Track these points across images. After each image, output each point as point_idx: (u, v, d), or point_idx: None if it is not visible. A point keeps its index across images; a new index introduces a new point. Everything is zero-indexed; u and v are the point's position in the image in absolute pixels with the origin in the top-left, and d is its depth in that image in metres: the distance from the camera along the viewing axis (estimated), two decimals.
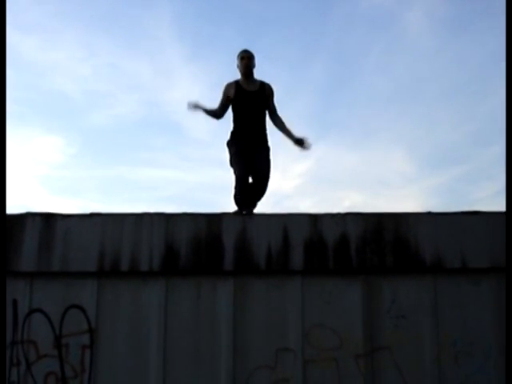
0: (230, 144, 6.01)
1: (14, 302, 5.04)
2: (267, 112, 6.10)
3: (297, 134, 6.06)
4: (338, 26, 16.04)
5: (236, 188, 5.80)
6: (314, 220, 5.10)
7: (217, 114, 6.11)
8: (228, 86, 6.08)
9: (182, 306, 5.05)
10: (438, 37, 15.77)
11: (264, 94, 6.06)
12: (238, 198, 5.76)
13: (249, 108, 6.02)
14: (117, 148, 17.33)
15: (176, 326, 5.02)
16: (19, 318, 5.03)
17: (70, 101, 17.00)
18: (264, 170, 5.92)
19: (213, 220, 5.14)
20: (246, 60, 6.06)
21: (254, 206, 5.83)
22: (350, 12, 15.88)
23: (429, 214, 5.15)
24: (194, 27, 16.51)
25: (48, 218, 5.16)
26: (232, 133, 6.05)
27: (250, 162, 5.87)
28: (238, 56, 6.13)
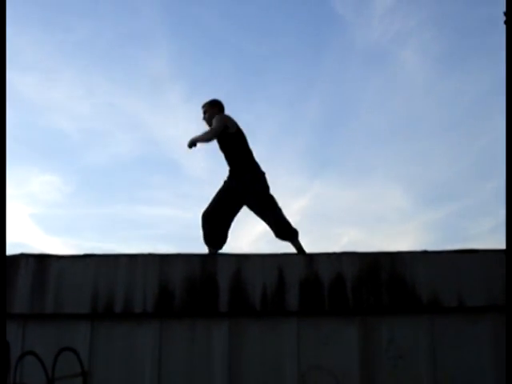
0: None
1: (6, 345, 4.98)
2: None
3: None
4: (333, 64, 16.23)
5: (202, 225, 5.80)
6: (310, 260, 5.07)
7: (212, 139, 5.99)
8: (231, 119, 6.03)
9: (177, 349, 4.99)
10: (433, 73, 15.94)
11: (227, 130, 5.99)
12: (203, 235, 5.76)
13: (224, 149, 6.03)
14: (114, 186, 17.37)
15: (171, 369, 4.96)
16: (11, 361, 4.97)
17: (67, 139, 17.10)
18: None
19: (207, 260, 5.11)
20: (203, 117, 6.12)
21: (291, 241, 5.73)
22: (345, 50, 16.09)
23: (425, 252, 5.12)
24: (191, 66, 16.69)
25: (42, 260, 5.13)
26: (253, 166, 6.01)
27: (233, 199, 5.85)
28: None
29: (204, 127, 6.04)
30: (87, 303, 5.00)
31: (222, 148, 6.00)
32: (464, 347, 4.94)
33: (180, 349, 5.00)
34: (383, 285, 4.99)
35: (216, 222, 5.77)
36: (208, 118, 6.08)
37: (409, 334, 4.98)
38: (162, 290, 5.01)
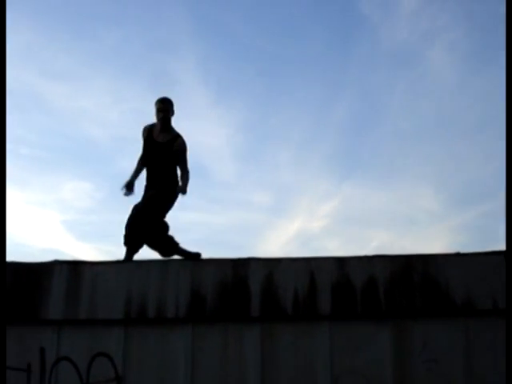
0: None
1: (42, 350, 5.04)
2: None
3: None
4: (360, 66, 16.13)
5: (125, 226, 5.76)
6: (341, 263, 5.05)
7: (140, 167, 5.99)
8: (143, 130, 6.02)
9: (209, 353, 5.00)
10: (462, 72, 15.76)
11: (171, 148, 5.88)
12: (124, 235, 5.73)
13: (152, 157, 5.93)
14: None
15: (203, 373, 4.97)
16: (47, 366, 5.02)
17: (97, 146, 17.23)
18: (136, 206, 5.77)
19: (239, 265, 5.11)
20: (163, 113, 5.95)
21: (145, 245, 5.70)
22: (372, 51, 15.98)
23: (458, 254, 5.08)
24: (217, 71, 16.73)
25: (75, 266, 5.18)
26: None
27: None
28: (155, 105, 6.00)
29: (152, 119, 5.99)
30: (121, 309, 5.04)
31: (162, 163, 5.91)
32: (499, 349, 4.87)
33: (212, 353, 5.00)
34: (416, 287, 4.95)
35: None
36: (169, 118, 6.01)
37: (443, 337, 4.93)
38: (194, 295, 5.03)
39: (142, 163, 5.99)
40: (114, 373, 4.99)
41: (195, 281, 5.06)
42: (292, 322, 4.98)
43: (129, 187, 5.85)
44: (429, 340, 4.93)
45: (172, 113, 6.01)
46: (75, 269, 5.16)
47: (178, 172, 5.91)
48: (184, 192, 5.77)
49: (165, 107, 5.95)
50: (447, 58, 15.60)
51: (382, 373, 4.88)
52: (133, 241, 5.66)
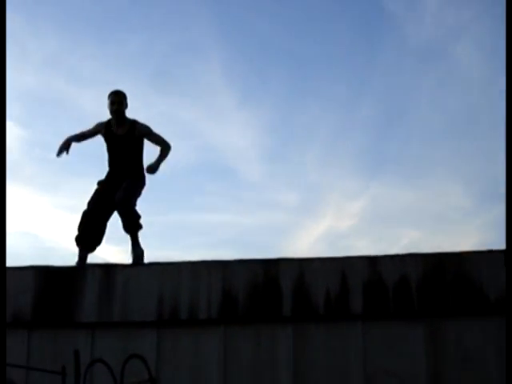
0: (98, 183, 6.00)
1: (76, 353, 5.07)
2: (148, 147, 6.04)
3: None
4: (386, 62, 16.02)
5: (78, 225, 5.78)
6: (373, 262, 5.02)
7: (84, 135, 6.09)
8: (98, 126, 6.05)
9: (242, 354, 5.01)
10: (491, 66, 15.55)
11: (133, 136, 5.94)
12: (76, 235, 5.75)
13: (116, 151, 5.98)
14: (172, 194, 17.53)
15: (236, 374, 4.98)
16: (81, 369, 5.05)
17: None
18: (119, 197, 5.77)
19: (270, 265, 5.11)
20: (117, 106, 5.93)
21: (131, 235, 5.78)
22: (398, 47, 15.86)
23: (490, 251, 5.02)
24: (243, 72, 16.75)
25: (108, 269, 5.23)
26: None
27: (109, 202, 5.80)
28: (108, 98, 5.99)
29: (106, 115, 6.02)
30: (153, 310, 5.07)
31: (128, 155, 5.97)
32: None
33: (245, 354, 5.01)
34: (449, 286, 4.91)
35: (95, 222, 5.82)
36: (123, 110, 6.00)
37: (477, 336, 4.87)
38: (225, 296, 5.04)
39: (87, 136, 6.11)
40: (148, 374, 5.01)
41: (226, 282, 5.07)
42: (324, 321, 4.97)
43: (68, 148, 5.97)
44: (462, 339, 4.88)
45: (126, 105, 6.02)
46: (108, 272, 5.21)
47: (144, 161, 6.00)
48: (153, 171, 5.88)
49: (118, 99, 5.96)
50: (475, 53, 15.41)
51: (416, 372, 4.85)
52: (95, 238, 5.77)
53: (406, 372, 4.86)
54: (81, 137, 6.13)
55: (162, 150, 5.99)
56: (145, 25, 16.10)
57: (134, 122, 5.99)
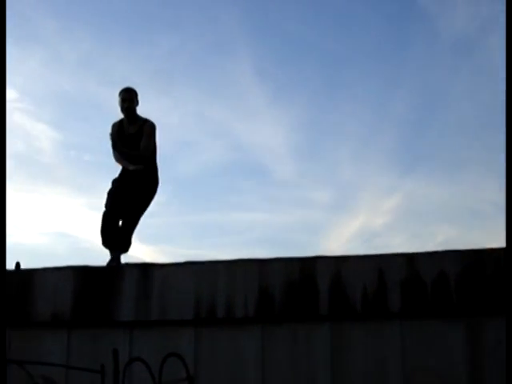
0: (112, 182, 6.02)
1: (115, 352, 5.13)
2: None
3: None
4: (419, 57, 15.87)
5: (100, 228, 5.86)
6: (411, 259, 4.96)
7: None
8: (113, 127, 6.01)
9: (279, 352, 5.00)
10: None
11: (142, 134, 5.92)
12: (101, 238, 5.82)
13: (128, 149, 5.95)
14: (205, 194, 17.63)
15: (274, 372, 4.97)
16: (120, 368, 5.11)
17: (158, 150, 17.47)
18: (127, 201, 5.82)
19: (306, 263, 5.09)
20: (128, 103, 5.91)
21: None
22: (430, 41, 15.70)
23: None
24: (274, 70, 16.75)
25: (145, 269, 5.26)
26: None
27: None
28: (119, 95, 5.95)
29: (118, 116, 6.01)
30: (190, 309, 5.08)
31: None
32: None
33: (282, 352, 5.00)
34: (489, 283, 4.83)
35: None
36: (134, 108, 5.97)
37: None
38: (262, 295, 5.03)
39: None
40: (186, 372, 5.04)
41: (263, 280, 5.06)
42: (362, 320, 4.93)
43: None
44: (503, 337, 4.80)
45: (137, 103, 6.00)
46: (145, 271, 5.24)
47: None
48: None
49: (129, 97, 5.93)
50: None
51: (456, 371, 4.78)
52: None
53: (445, 370, 4.80)
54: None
55: (144, 149, 5.94)
56: (176, 25, 16.21)
57: (145, 121, 5.98)
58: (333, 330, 4.96)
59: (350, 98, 16.14)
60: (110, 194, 5.94)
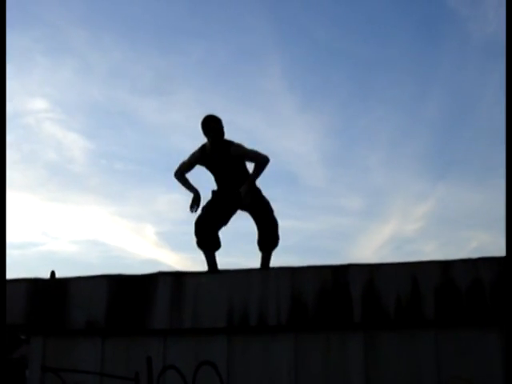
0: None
1: (149, 360, 5.17)
2: None
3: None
4: (450, 61, 15.81)
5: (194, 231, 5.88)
6: (445, 267, 4.92)
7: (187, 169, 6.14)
8: (195, 158, 6.05)
9: (312, 361, 4.99)
10: None
11: (230, 157, 5.92)
12: (196, 240, 5.85)
13: (219, 176, 6.06)
14: None
15: (307, 381, 4.96)
16: (154, 376, 5.14)
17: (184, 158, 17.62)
18: (262, 216, 5.88)
19: (339, 271, 5.08)
20: (217, 133, 5.87)
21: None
22: (461, 45, 15.63)
23: None
24: (303, 76, 16.79)
25: (178, 277, 5.29)
26: None
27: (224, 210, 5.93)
28: (203, 125, 5.90)
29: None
30: (223, 317, 5.10)
31: (231, 173, 5.94)
32: None
33: (315, 360, 4.99)
34: None
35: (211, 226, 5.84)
36: (221, 137, 5.91)
37: None
38: (295, 303, 5.03)
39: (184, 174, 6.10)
40: (219, 381, 5.06)
41: (295, 288, 5.06)
42: (395, 328, 4.90)
43: (198, 200, 5.96)
44: None
45: (223, 132, 5.93)
46: (178, 279, 5.27)
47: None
48: (245, 198, 5.80)
49: (218, 127, 5.89)
50: None
51: (491, 379, 4.72)
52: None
53: (481, 379, 4.74)
54: (185, 179, 6.14)
55: (255, 166, 5.92)
56: (205, 34, 16.35)
57: (229, 144, 5.93)
58: (366, 338, 4.93)
59: (380, 103, 16.11)
60: (211, 202, 5.98)
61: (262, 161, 5.88)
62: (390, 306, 4.90)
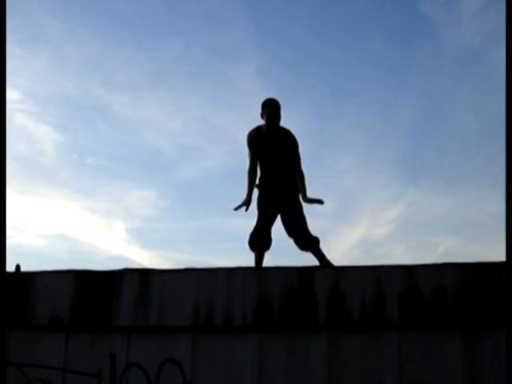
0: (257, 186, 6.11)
1: (112, 356, 5.14)
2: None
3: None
4: (423, 67, 15.92)
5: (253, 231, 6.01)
6: (409, 271, 4.98)
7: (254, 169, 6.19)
8: (251, 140, 6.05)
9: (276, 361, 5.00)
10: None
11: (286, 146, 6.00)
12: (249, 240, 5.97)
13: (269, 164, 6.10)
14: (207, 200, 17.67)
15: (270, 381, 4.98)
16: (117, 373, 5.12)
17: (161, 155, 17.55)
18: (294, 229, 6.01)
19: (305, 273, 5.11)
20: (275, 119, 5.89)
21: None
22: (435, 52, 15.74)
23: None
24: (278, 77, 16.79)
25: (145, 274, 5.27)
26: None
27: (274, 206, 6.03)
28: (264, 107, 5.92)
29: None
30: (189, 316, 5.10)
31: (282, 163, 5.97)
32: None
33: (279, 361, 5.01)
34: (486, 296, 4.84)
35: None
36: (278, 122, 5.89)
37: None
38: (260, 303, 5.05)
39: (254, 174, 6.06)
40: (183, 379, 5.05)
41: (262, 289, 5.08)
42: (359, 330, 4.95)
43: (247, 206, 5.99)
44: (500, 350, 4.80)
45: (280, 116, 5.92)
46: (144, 276, 5.26)
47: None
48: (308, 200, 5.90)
49: (276, 112, 5.85)
50: None
51: (452, 383, 4.78)
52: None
53: (441, 382, 4.80)
54: (252, 185, 6.10)
55: (301, 180, 5.96)
56: (181, 30, 16.27)
57: (288, 132, 5.91)
58: (330, 340, 4.96)
59: (354, 107, 16.19)
60: (262, 199, 6.02)
61: (302, 173, 5.99)
62: (355, 309, 4.94)
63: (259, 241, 5.89)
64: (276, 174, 5.95)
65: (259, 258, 5.88)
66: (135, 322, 5.17)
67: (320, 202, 5.87)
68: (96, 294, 5.27)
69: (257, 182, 6.12)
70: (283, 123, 5.95)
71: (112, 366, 5.11)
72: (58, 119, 17.08)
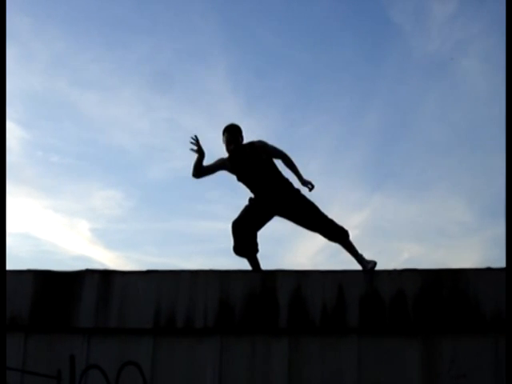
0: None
1: (72, 358, 5.09)
2: None
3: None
4: (391, 75, 16.07)
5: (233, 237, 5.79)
6: (370, 277, 5.04)
7: (208, 169, 6.01)
8: (222, 163, 5.99)
9: (237, 364, 5.02)
10: (495, 82, 15.58)
11: (258, 156, 5.88)
12: (233, 246, 5.74)
13: (251, 179, 5.96)
14: (173, 201, 17.59)
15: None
16: (76, 374, 5.07)
17: (128, 155, 17.41)
18: (313, 222, 5.80)
19: (267, 277, 5.13)
20: (234, 145, 5.84)
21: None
22: (403, 60, 15.90)
23: (489, 269, 5.02)
24: (247, 80, 16.82)
25: (106, 275, 5.24)
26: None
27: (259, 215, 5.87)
28: (223, 135, 5.89)
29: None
30: (150, 318, 5.08)
31: (262, 173, 5.85)
32: None
33: (240, 364, 5.02)
34: (445, 302, 4.91)
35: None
36: (239, 146, 5.86)
37: (472, 353, 4.87)
38: (222, 306, 5.05)
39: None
40: (142, 382, 5.03)
41: (224, 292, 5.09)
42: (320, 334, 4.98)
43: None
44: (458, 356, 4.88)
45: (242, 139, 5.90)
46: (106, 277, 5.23)
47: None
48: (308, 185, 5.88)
49: (233, 138, 5.85)
50: (480, 68, 15.44)
51: None
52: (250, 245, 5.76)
53: None
54: (205, 168, 5.95)
55: (289, 166, 5.92)
56: (151, 29, 16.19)
57: (251, 144, 5.87)
58: (291, 344, 4.99)
59: (322, 111, 16.27)
60: (248, 208, 5.87)
61: (286, 155, 5.90)
62: (316, 313, 4.97)
63: (244, 249, 5.73)
64: (264, 184, 5.87)
65: (253, 262, 5.72)
66: (96, 324, 5.14)
67: (310, 185, 5.88)
68: (56, 295, 5.23)
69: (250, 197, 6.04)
70: (250, 130, 5.90)
71: (71, 368, 5.06)
72: (23, 116, 16.85)
